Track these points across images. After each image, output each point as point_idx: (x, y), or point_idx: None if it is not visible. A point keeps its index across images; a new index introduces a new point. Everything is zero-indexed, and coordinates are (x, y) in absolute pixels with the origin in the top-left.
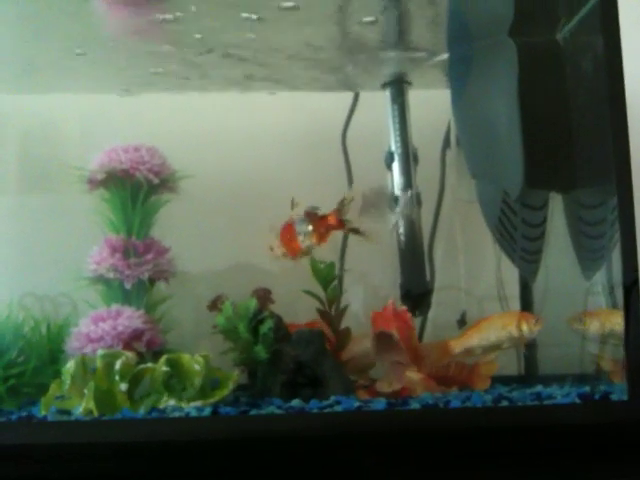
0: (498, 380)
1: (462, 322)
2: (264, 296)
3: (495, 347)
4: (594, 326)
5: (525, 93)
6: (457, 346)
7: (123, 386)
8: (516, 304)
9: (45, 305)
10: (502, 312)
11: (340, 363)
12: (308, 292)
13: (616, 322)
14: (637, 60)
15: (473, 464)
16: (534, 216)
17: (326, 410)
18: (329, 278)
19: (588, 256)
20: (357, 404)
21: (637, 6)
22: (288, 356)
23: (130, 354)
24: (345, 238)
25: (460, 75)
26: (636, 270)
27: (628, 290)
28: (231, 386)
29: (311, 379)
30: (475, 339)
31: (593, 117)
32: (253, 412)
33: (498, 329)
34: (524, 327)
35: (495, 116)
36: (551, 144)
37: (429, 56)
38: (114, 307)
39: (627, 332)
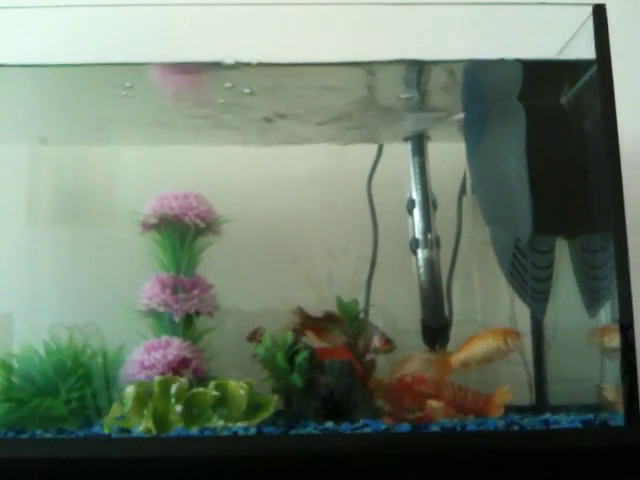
0: (512, 410)
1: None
2: (300, 329)
3: (486, 359)
4: (613, 340)
5: (533, 149)
6: (455, 360)
7: (178, 408)
8: (528, 339)
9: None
10: (489, 329)
11: (367, 391)
12: (337, 328)
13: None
14: (630, 120)
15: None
16: (542, 259)
17: (357, 431)
18: (354, 313)
19: (592, 296)
20: (384, 427)
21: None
22: (321, 384)
23: (183, 380)
24: (370, 278)
25: (474, 132)
26: (631, 311)
27: (624, 328)
28: (272, 409)
29: (342, 405)
30: (470, 353)
31: (594, 171)
32: (292, 432)
33: (488, 344)
34: (509, 342)
35: (506, 169)
36: (557, 195)
37: (447, 115)
38: (164, 338)
39: (622, 366)
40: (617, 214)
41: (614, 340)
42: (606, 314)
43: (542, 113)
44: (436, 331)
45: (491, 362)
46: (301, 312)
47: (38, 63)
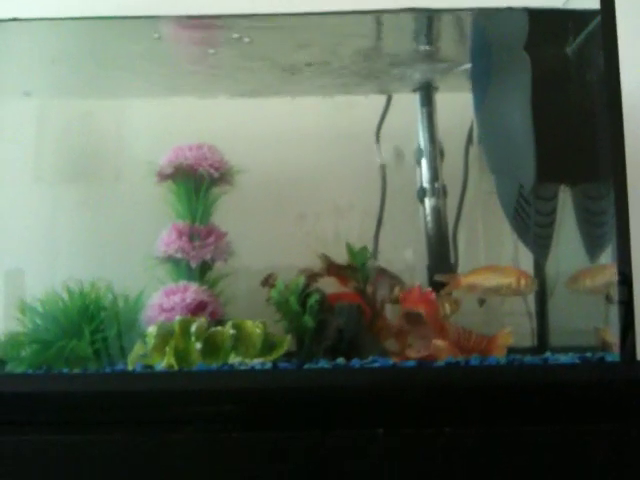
0: (514, 351)
1: (482, 301)
2: (312, 275)
3: (494, 291)
4: (587, 282)
5: (538, 99)
6: (465, 280)
7: (198, 345)
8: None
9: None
10: (507, 265)
11: (374, 333)
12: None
13: (607, 274)
14: (632, 70)
15: (489, 415)
16: (545, 206)
17: (366, 366)
18: (363, 260)
19: (593, 242)
20: (391, 362)
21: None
22: (331, 325)
23: (202, 319)
24: (378, 227)
25: (481, 82)
26: (628, 254)
27: (622, 275)
28: (285, 347)
29: (351, 345)
30: (480, 279)
31: (596, 120)
32: (306, 367)
33: (501, 277)
34: (522, 282)
35: (511, 119)
36: (560, 143)
37: (455, 65)
38: (182, 283)
39: (620, 306)
40: (617, 162)
41: (587, 281)
42: (606, 259)
43: (547, 63)
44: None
45: (498, 295)
46: (326, 258)
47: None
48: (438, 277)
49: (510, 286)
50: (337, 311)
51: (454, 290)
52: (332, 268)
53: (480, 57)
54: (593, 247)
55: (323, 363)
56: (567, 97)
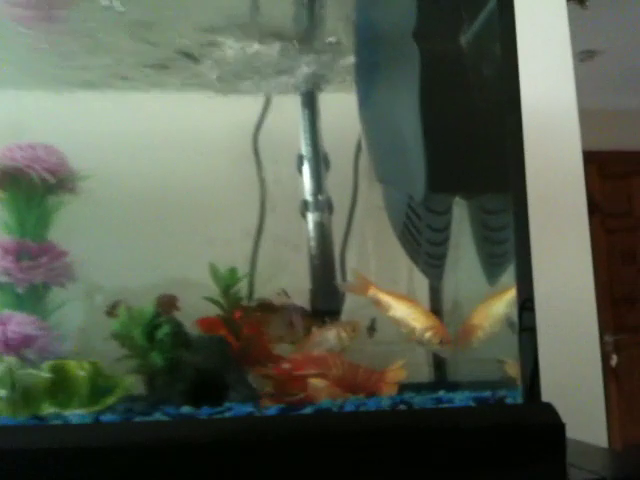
0: (410, 387)
1: (372, 328)
2: (169, 302)
3: (396, 322)
4: (480, 333)
5: (428, 97)
6: (374, 291)
7: (2, 392)
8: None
9: None
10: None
11: (244, 370)
12: (209, 299)
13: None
14: (534, 65)
15: (361, 467)
16: (438, 221)
17: (216, 416)
18: (230, 283)
19: (492, 261)
20: (249, 410)
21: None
22: (187, 364)
23: (13, 360)
24: (256, 244)
25: (366, 79)
26: (530, 277)
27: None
28: (119, 393)
29: (213, 387)
30: (391, 302)
31: (494, 123)
32: (137, 419)
33: (413, 314)
34: (426, 335)
35: (399, 121)
36: (453, 149)
37: (338, 59)
38: (5, 313)
39: (520, 341)
40: (517, 171)
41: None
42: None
43: (439, 56)
44: (327, 304)
45: (398, 327)
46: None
47: None
48: (342, 285)
49: (413, 331)
50: (196, 346)
51: (359, 294)
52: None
53: (364, 47)
54: (492, 267)
55: (165, 412)
56: (461, 95)
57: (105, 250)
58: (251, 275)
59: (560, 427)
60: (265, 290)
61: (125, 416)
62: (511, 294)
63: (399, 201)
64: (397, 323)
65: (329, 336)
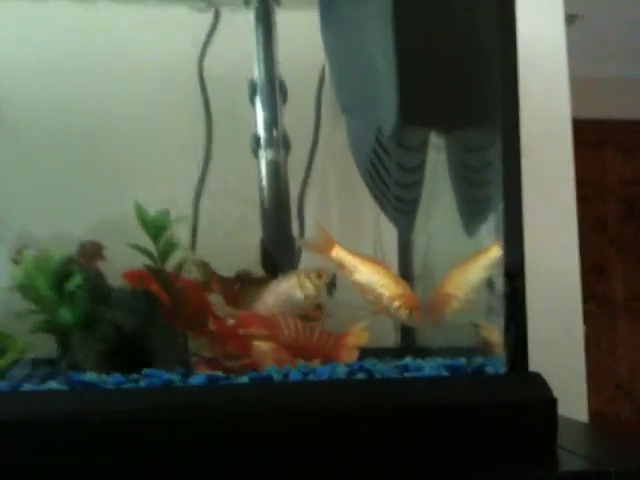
0: (370, 353)
1: (332, 285)
2: (92, 250)
3: (360, 288)
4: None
5: (402, 12)
6: (339, 252)
7: None
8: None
9: None
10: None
11: (175, 331)
12: (135, 246)
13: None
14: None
15: (299, 452)
16: (410, 159)
17: (126, 386)
18: (161, 228)
19: (472, 208)
20: (169, 378)
21: None
22: (105, 321)
23: None
24: (200, 185)
25: None
26: (521, 233)
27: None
28: (12, 356)
29: (136, 350)
30: (358, 264)
31: (482, 43)
32: (26, 388)
33: (382, 281)
34: (394, 304)
35: (368, 40)
36: (432, 76)
37: None
38: None
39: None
40: (509, 100)
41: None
42: (489, 234)
43: None
44: (280, 257)
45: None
46: (205, 267)
47: None
48: (301, 242)
49: (379, 299)
50: (115, 300)
51: (321, 254)
52: (215, 282)
53: None
54: (472, 215)
55: (75, 378)
56: (441, 10)
57: (24, 191)
58: (194, 221)
59: (551, 403)
60: (210, 239)
61: (13, 384)
62: (490, 256)
63: (365, 134)
64: (362, 289)
65: (288, 286)
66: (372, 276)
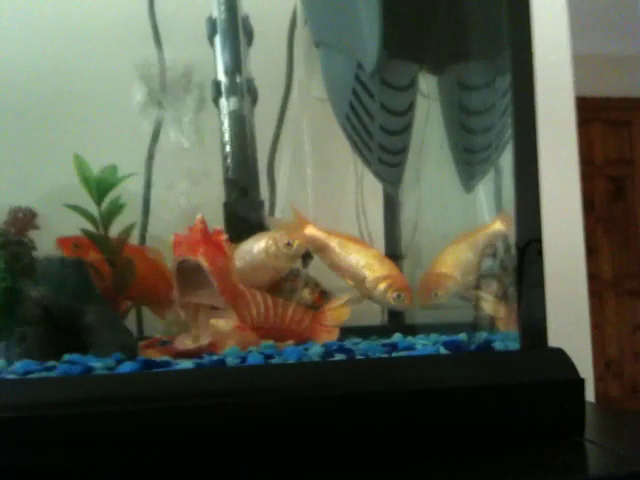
0: (355, 331)
1: (308, 256)
2: (24, 218)
3: (338, 270)
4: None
5: None
6: (313, 232)
7: None
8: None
9: None
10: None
11: (116, 308)
12: (72, 206)
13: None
14: None
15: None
16: (396, 99)
17: (34, 375)
18: (105, 187)
19: (469, 159)
20: (91, 366)
21: None
22: (29, 298)
23: None
24: (152, 145)
25: None
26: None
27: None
28: None
29: (67, 331)
30: (336, 245)
31: None
32: None
33: (366, 260)
34: (379, 287)
35: None
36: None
37: None
38: None
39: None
40: (519, 30)
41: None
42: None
43: None
44: (245, 220)
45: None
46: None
47: None
48: (271, 220)
49: (362, 282)
50: (41, 273)
51: (290, 237)
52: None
53: None
54: (469, 167)
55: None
56: None
57: None
58: (147, 180)
59: (578, 384)
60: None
61: None
62: (490, 231)
63: (343, 71)
64: (342, 273)
65: (255, 248)
66: (352, 257)
